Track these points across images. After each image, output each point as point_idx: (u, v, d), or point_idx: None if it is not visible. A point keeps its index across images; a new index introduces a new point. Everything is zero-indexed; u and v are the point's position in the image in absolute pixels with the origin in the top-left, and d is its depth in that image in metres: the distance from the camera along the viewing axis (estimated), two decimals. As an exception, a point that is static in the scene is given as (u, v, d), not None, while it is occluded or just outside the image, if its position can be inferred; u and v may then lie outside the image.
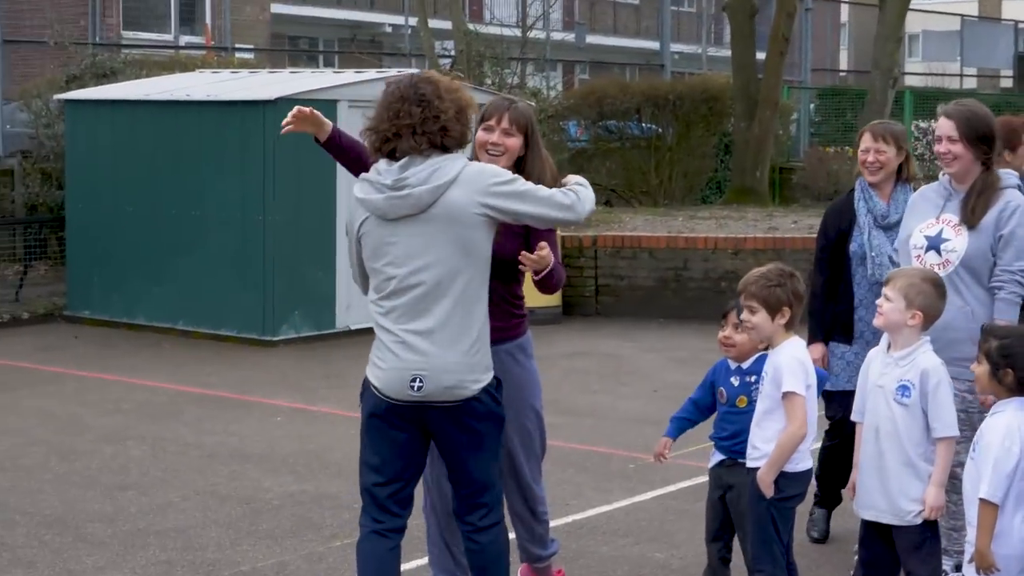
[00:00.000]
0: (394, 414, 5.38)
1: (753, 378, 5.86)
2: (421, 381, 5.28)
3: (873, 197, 6.99)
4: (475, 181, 5.29)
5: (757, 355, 5.89)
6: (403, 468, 5.48)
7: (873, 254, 6.84)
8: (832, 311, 7.06)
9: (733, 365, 5.98)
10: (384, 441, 5.44)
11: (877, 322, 5.68)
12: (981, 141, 6.22)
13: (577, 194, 5.45)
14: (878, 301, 5.70)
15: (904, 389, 5.55)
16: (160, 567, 6.95)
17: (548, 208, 5.37)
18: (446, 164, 5.30)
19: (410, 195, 5.26)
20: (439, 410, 5.33)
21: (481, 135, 5.92)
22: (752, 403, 5.82)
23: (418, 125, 5.29)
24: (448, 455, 5.49)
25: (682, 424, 6.23)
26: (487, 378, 5.38)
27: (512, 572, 5.78)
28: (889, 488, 5.56)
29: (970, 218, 6.22)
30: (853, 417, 5.84)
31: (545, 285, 5.82)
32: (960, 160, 6.24)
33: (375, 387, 5.39)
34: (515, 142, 5.93)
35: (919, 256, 6.25)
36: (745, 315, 5.74)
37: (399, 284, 5.32)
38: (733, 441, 5.93)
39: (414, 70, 17.15)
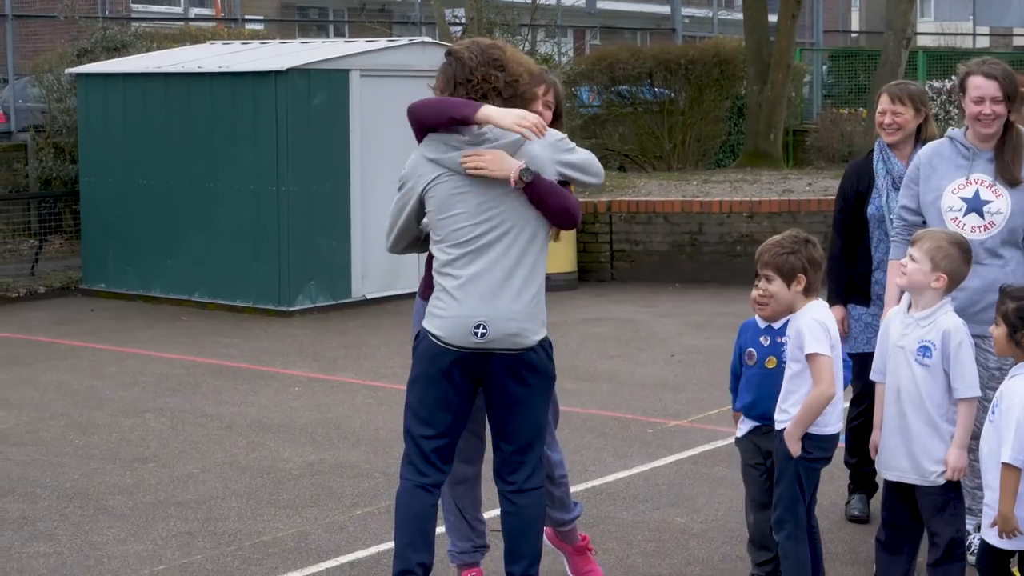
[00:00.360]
0: (455, 364, 5.43)
1: (783, 338, 5.75)
2: (485, 328, 5.37)
3: (892, 158, 6.90)
4: (550, 142, 5.46)
5: (787, 318, 5.78)
6: (452, 423, 5.55)
7: (892, 216, 6.73)
8: (850, 273, 7.02)
9: (763, 325, 5.90)
10: (438, 394, 5.50)
11: (900, 282, 5.64)
12: (1014, 99, 6.18)
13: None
14: (902, 260, 5.66)
15: (925, 350, 5.50)
16: (181, 538, 6.96)
17: (592, 175, 5.59)
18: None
19: (494, 144, 5.38)
20: (501, 358, 5.40)
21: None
22: (781, 364, 5.75)
23: (503, 89, 5.42)
24: (499, 409, 5.53)
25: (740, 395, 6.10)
26: (544, 332, 5.49)
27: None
28: (912, 449, 5.53)
29: (1013, 176, 6.13)
30: (873, 376, 5.80)
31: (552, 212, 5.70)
32: (999, 119, 6.17)
33: (435, 336, 5.44)
34: (550, 115, 6.01)
35: (956, 219, 6.12)
36: (762, 283, 5.71)
37: (469, 233, 5.41)
38: (761, 405, 5.86)
39: (425, 38, 17.11)
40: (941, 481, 5.49)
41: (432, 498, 5.60)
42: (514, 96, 5.44)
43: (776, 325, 5.83)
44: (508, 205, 5.40)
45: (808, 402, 5.56)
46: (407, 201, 5.57)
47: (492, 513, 6.25)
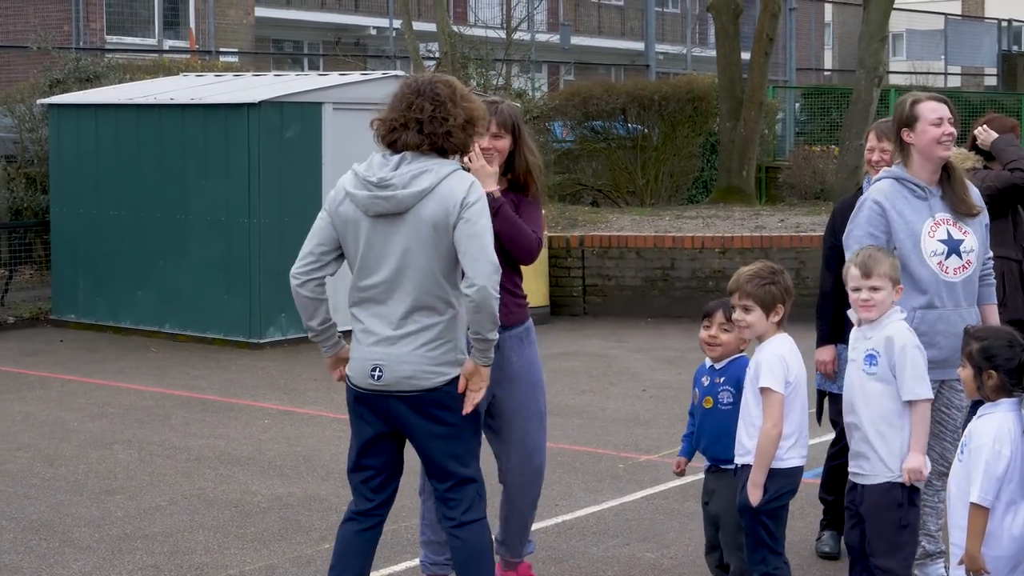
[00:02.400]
0: (362, 403, 5.54)
1: (721, 379, 5.86)
2: (380, 371, 5.42)
3: None
4: (451, 197, 5.34)
5: (732, 358, 5.88)
6: (372, 457, 5.61)
7: None
8: (840, 312, 6.91)
9: (708, 364, 5.96)
10: (355, 429, 5.64)
11: (870, 316, 5.65)
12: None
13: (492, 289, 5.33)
14: (863, 296, 5.67)
15: (871, 358, 5.59)
16: (148, 571, 6.91)
17: (487, 256, 5.31)
18: (435, 169, 5.37)
19: (392, 197, 5.37)
20: (403, 399, 5.44)
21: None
22: (717, 405, 5.85)
23: (426, 123, 5.38)
24: (420, 447, 5.57)
25: (690, 439, 6.14)
26: (453, 372, 5.44)
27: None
28: (867, 452, 5.64)
29: (968, 208, 6.14)
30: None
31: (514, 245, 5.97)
32: (953, 142, 6.21)
33: (347, 375, 5.58)
34: (504, 143, 6.08)
35: (940, 263, 6.09)
36: (738, 315, 5.72)
37: (370, 275, 5.44)
38: (702, 442, 5.94)
39: (400, 72, 17.13)
40: (886, 480, 5.60)
41: (359, 526, 5.65)
42: (434, 134, 5.38)
43: (718, 366, 5.89)
44: (408, 251, 5.37)
45: (759, 443, 5.61)
46: (324, 215, 5.61)
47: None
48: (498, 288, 5.31)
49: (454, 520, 5.56)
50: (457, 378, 5.44)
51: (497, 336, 5.40)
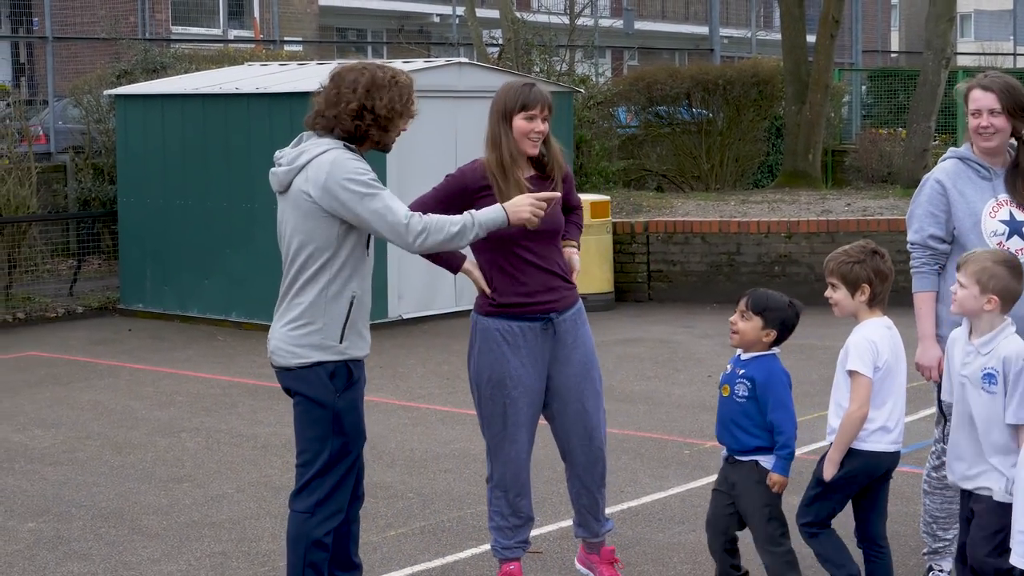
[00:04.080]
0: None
1: (742, 371, 5.83)
2: (268, 343, 5.65)
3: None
4: (322, 172, 5.41)
5: (759, 353, 5.84)
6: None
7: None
8: None
9: (738, 353, 5.93)
10: None
11: (953, 310, 5.52)
12: (1020, 112, 6.00)
13: (428, 229, 5.40)
14: (952, 287, 5.55)
15: (990, 377, 5.35)
16: (215, 558, 6.95)
17: (382, 225, 5.39)
18: (311, 149, 5.48)
19: (275, 174, 5.56)
20: (278, 373, 5.62)
21: (525, 124, 5.99)
22: (733, 395, 5.83)
23: (326, 107, 5.50)
24: None
25: None
26: (315, 357, 5.48)
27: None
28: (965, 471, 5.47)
29: (1021, 199, 6.00)
30: (943, 397, 5.76)
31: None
32: (1001, 133, 6.00)
33: None
34: (547, 127, 6.10)
35: (1000, 243, 5.95)
36: (828, 292, 5.76)
37: (283, 250, 5.64)
38: (721, 430, 5.92)
39: (463, 59, 17.12)
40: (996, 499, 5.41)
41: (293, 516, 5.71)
42: (323, 115, 5.49)
43: (744, 357, 5.86)
44: (290, 230, 5.51)
45: (842, 423, 5.60)
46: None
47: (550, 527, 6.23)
48: (418, 236, 5.38)
49: (290, 498, 5.70)
50: (318, 364, 5.47)
51: (461, 237, 5.45)
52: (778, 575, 5.81)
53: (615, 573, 6.43)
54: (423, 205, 6.04)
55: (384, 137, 5.59)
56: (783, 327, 5.84)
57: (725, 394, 5.89)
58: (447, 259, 6.15)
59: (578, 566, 6.56)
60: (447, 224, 5.44)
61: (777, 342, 5.85)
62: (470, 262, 6.14)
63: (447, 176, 6.19)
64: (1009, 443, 5.33)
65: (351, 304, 5.51)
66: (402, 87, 5.57)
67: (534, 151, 6.04)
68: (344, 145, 5.50)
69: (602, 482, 6.37)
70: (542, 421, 6.28)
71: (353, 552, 5.89)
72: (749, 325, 5.82)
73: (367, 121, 5.49)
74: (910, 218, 6.20)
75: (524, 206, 5.54)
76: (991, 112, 5.99)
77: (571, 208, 6.39)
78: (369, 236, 5.56)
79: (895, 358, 5.65)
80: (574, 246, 6.32)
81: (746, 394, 5.78)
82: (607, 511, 6.54)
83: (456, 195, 6.05)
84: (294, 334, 5.52)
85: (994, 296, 5.35)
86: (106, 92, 16.21)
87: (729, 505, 5.92)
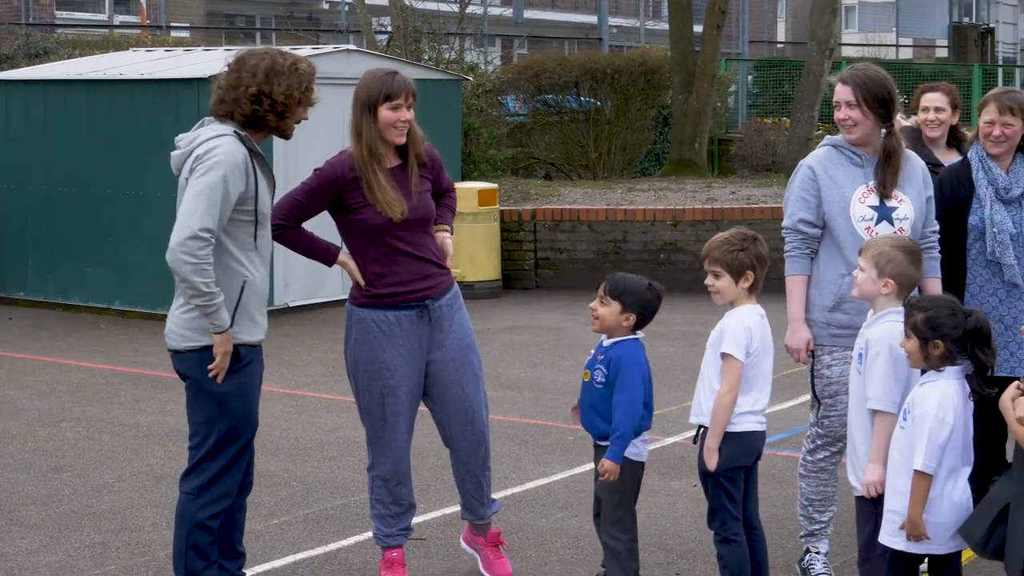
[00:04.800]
0: None
1: (602, 357, 5.83)
2: None
3: (993, 168, 6.68)
4: (192, 155, 5.47)
5: (621, 338, 5.83)
6: None
7: (995, 230, 6.57)
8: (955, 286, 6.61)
9: (603, 338, 5.95)
10: None
11: (854, 293, 5.61)
12: (880, 105, 6.06)
13: (196, 267, 5.34)
14: (854, 272, 5.62)
15: (859, 357, 5.50)
16: (95, 549, 6.86)
17: (182, 220, 5.39)
18: (204, 134, 5.50)
19: (171, 158, 5.59)
20: (171, 355, 5.65)
21: (390, 114, 5.96)
22: (593, 380, 5.84)
23: (226, 91, 5.51)
24: None
25: None
26: (203, 340, 5.49)
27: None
28: (855, 453, 5.55)
29: (886, 188, 6.07)
30: None
31: None
32: (861, 125, 6.07)
33: None
34: (412, 114, 6.07)
35: (868, 228, 6.02)
36: (709, 280, 5.76)
37: None
38: (583, 416, 5.93)
39: (351, 46, 17.03)
40: (858, 494, 5.50)
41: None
42: (230, 100, 5.49)
43: (606, 343, 5.88)
44: None
45: (713, 407, 5.62)
46: None
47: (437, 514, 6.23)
48: (194, 254, 5.32)
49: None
50: (207, 347, 5.47)
51: (204, 303, 5.39)
52: (619, 561, 5.81)
53: (499, 555, 6.45)
54: (293, 203, 6.04)
55: (282, 124, 5.56)
56: (643, 311, 5.81)
57: (586, 379, 5.90)
58: (322, 252, 6.14)
59: (463, 545, 6.57)
60: (209, 284, 5.35)
61: (639, 326, 5.84)
62: (345, 253, 6.12)
63: (316, 170, 6.13)
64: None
65: (242, 289, 5.47)
66: (302, 74, 5.55)
67: (401, 140, 6.01)
68: (235, 134, 5.45)
69: (485, 465, 6.37)
70: (423, 408, 6.28)
71: (237, 540, 5.86)
72: (608, 310, 5.81)
73: (264, 106, 5.47)
74: (784, 204, 6.31)
75: (227, 350, 5.49)
76: (848, 105, 6.08)
77: (442, 191, 6.36)
78: (256, 222, 5.49)
79: (764, 346, 5.71)
80: (446, 230, 6.30)
81: (603, 380, 5.78)
82: (492, 495, 6.55)
83: (328, 187, 6.01)
84: (185, 317, 5.51)
85: (891, 280, 5.44)
86: (-13, 77, 15.91)
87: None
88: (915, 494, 5.09)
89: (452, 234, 6.34)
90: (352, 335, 6.14)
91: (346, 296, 6.26)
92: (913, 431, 5.13)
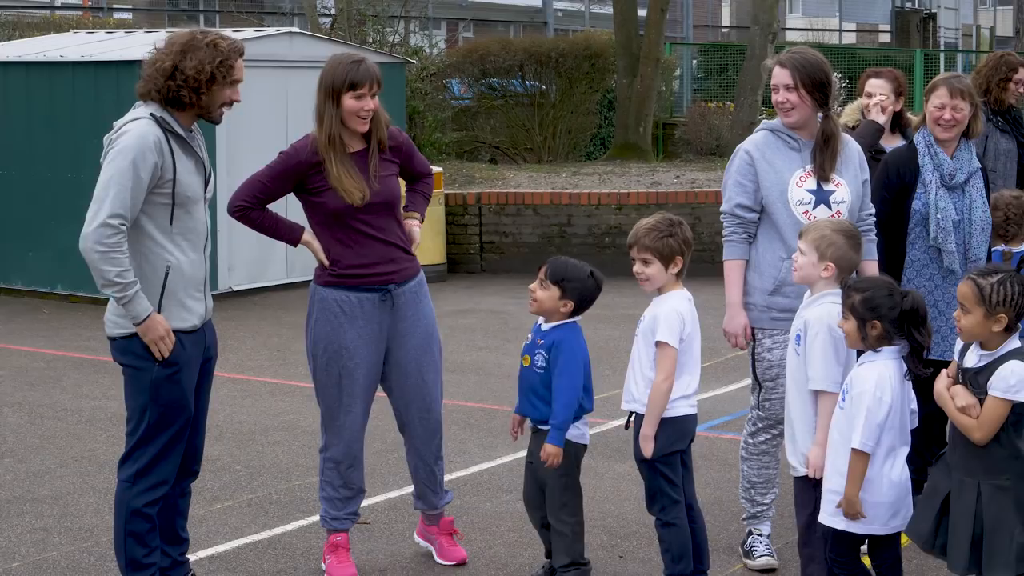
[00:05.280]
0: None
1: (541, 342, 5.86)
2: None
3: (940, 154, 6.70)
4: (107, 141, 5.44)
5: (559, 323, 5.86)
6: None
7: (939, 216, 6.60)
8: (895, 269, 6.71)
9: (539, 323, 5.97)
10: None
11: (794, 277, 5.63)
12: (817, 88, 6.09)
13: (106, 256, 5.28)
14: (793, 255, 5.64)
15: (797, 338, 5.53)
16: (37, 535, 6.82)
17: (92, 208, 5.35)
18: (124, 118, 5.47)
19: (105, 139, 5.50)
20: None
21: (354, 103, 5.95)
22: (532, 364, 5.86)
23: (145, 68, 5.47)
24: None
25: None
26: (130, 328, 5.42)
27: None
28: (793, 434, 5.58)
29: (824, 171, 6.12)
30: None
31: None
32: (798, 108, 6.10)
33: None
34: (376, 102, 6.04)
35: (806, 212, 6.06)
36: (638, 268, 5.76)
37: None
38: (522, 400, 5.95)
39: (295, 28, 16.96)
40: (800, 474, 5.53)
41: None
42: (147, 78, 5.44)
43: (545, 327, 5.91)
44: None
45: (650, 396, 5.64)
46: None
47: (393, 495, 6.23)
48: (92, 241, 5.28)
49: None
50: (131, 335, 5.43)
51: (117, 293, 5.34)
52: (566, 545, 5.86)
53: (453, 543, 6.45)
54: (257, 184, 6.04)
55: (200, 102, 5.44)
56: (582, 299, 5.84)
57: (526, 364, 5.91)
58: (286, 232, 6.13)
59: (417, 539, 6.58)
60: (122, 274, 5.30)
61: (576, 313, 5.87)
62: (309, 233, 6.11)
63: (280, 153, 6.13)
64: (811, 413, 5.48)
65: (166, 274, 5.43)
66: (219, 50, 5.43)
67: (363, 128, 6.01)
68: (151, 115, 5.39)
69: (439, 454, 6.39)
70: (380, 393, 6.28)
71: (180, 526, 5.84)
72: (547, 294, 5.83)
73: (178, 81, 5.38)
74: (723, 188, 6.34)
75: (157, 336, 5.43)
76: (787, 88, 6.10)
77: (416, 174, 6.37)
78: (173, 204, 5.43)
79: (695, 331, 5.74)
80: (416, 218, 6.30)
81: (544, 364, 5.80)
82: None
83: (292, 171, 6.02)
84: (113, 307, 5.47)
85: (831, 264, 5.47)
86: (-75, 59, 15.72)
87: (537, 479, 5.96)
88: (852, 473, 5.13)
89: (422, 222, 6.33)
90: (314, 314, 6.14)
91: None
92: (852, 411, 5.17)
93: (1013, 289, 4.92)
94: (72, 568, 6.37)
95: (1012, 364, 4.89)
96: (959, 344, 5.13)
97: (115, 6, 25.50)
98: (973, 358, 5.02)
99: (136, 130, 5.36)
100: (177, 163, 5.41)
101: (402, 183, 6.30)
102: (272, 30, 15.08)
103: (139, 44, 13.99)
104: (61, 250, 13.47)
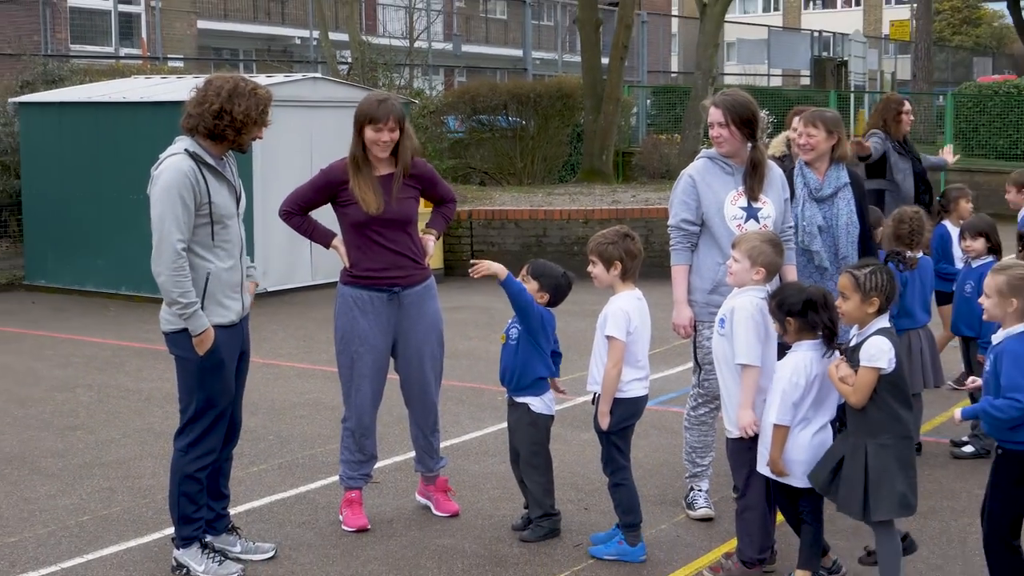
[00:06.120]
0: None
1: (514, 318, 5.96)
2: None
3: (809, 173, 6.73)
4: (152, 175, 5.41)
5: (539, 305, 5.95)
6: None
7: (804, 224, 6.61)
8: None
9: None
10: None
11: (729, 280, 5.61)
12: (744, 124, 6.08)
13: (175, 278, 5.29)
14: (728, 262, 5.62)
15: (721, 322, 5.54)
16: (103, 493, 6.81)
17: (156, 237, 5.31)
18: (166, 151, 5.44)
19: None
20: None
21: (372, 134, 5.95)
22: (508, 339, 5.95)
23: (193, 106, 5.44)
24: None
25: None
26: (179, 324, 5.39)
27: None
28: (725, 403, 5.59)
29: (753, 192, 6.12)
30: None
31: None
32: (729, 141, 6.10)
33: None
34: (396, 135, 6.01)
35: (739, 225, 6.06)
36: (589, 267, 5.80)
37: None
38: (501, 374, 6.01)
39: (318, 75, 16.93)
40: (735, 435, 5.54)
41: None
42: (195, 115, 5.40)
43: None
44: None
45: (603, 381, 5.67)
46: None
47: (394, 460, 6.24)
48: (162, 267, 5.26)
49: None
50: (183, 330, 5.40)
51: (180, 311, 5.32)
52: (538, 499, 5.95)
53: (447, 499, 6.46)
54: (300, 194, 6.11)
55: (239, 139, 5.47)
56: (555, 292, 5.94)
57: (502, 341, 5.97)
58: (321, 236, 6.16)
59: (417, 498, 6.58)
60: (185, 295, 5.29)
61: (551, 304, 5.93)
62: (338, 239, 6.13)
63: (320, 170, 6.18)
64: (734, 386, 5.48)
65: (207, 279, 5.43)
66: (259, 98, 5.47)
67: (382, 155, 5.99)
68: (185, 151, 5.37)
69: (434, 428, 6.38)
70: (393, 376, 6.28)
71: (223, 485, 5.83)
72: (528, 286, 5.93)
73: (225, 122, 5.39)
74: (669, 206, 6.34)
75: (207, 347, 5.42)
76: (720, 124, 6.10)
77: (439, 200, 6.38)
78: (212, 223, 5.40)
79: (643, 324, 5.75)
80: (433, 233, 6.28)
81: (516, 337, 5.86)
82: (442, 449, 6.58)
83: (326, 185, 6.06)
84: (165, 306, 5.46)
85: (762, 268, 5.48)
86: (11, 100, 15.71)
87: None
88: (774, 442, 5.17)
89: (437, 238, 6.31)
90: (337, 307, 6.18)
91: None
92: (772, 391, 5.22)
93: (882, 277, 5.03)
94: (133, 521, 6.36)
95: (875, 338, 4.97)
96: (853, 331, 5.17)
97: (169, 56, 25.42)
98: (853, 338, 5.09)
99: (173, 166, 5.34)
100: (210, 187, 5.40)
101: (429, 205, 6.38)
102: (299, 76, 15.06)
103: (188, 88, 13.92)
104: (124, 258, 13.47)
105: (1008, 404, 4.68)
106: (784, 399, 5.13)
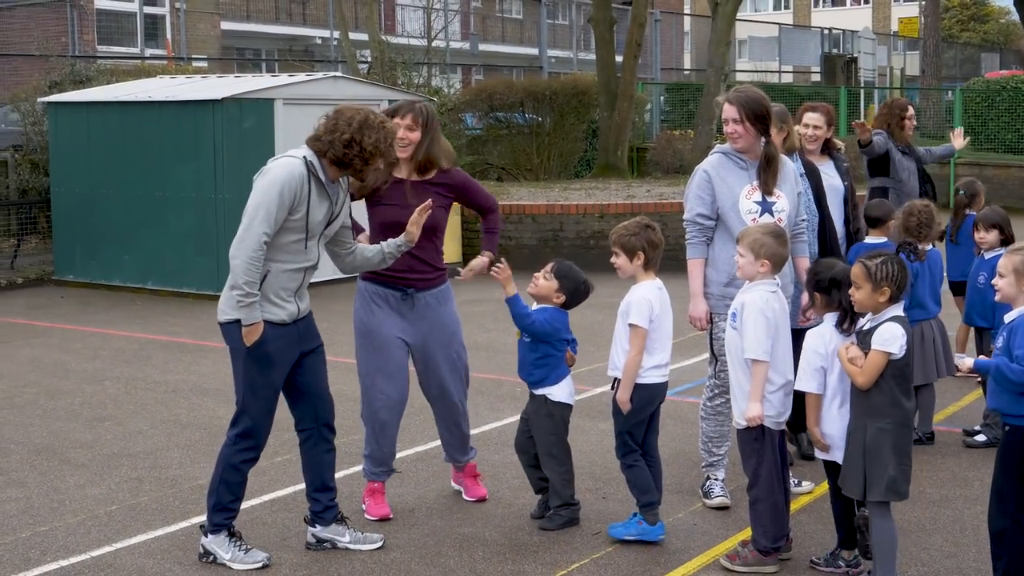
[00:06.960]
0: None
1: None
2: None
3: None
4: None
5: (547, 307, 5.90)
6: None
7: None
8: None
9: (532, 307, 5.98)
10: None
11: (737, 275, 5.59)
12: (759, 120, 6.05)
13: (246, 265, 5.26)
14: (735, 257, 5.60)
15: (733, 316, 5.52)
16: (131, 483, 6.81)
17: (245, 222, 5.30)
18: (288, 152, 5.43)
19: None
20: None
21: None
22: (523, 337, 5.93)
23: (324, 132, 5.38)
24: None
25: None
26: (232, 315, 5.36)
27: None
28: (735, 395, 5.55)
29: (767, 187, 6.09)
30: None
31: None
32: (744, 137, 6.07)
33: None
34: (416, 135, 5.97)
35: (754, 219, 6.02)
36: (612, 258, 5.80)
37: None
38: (519, 368, 6.00)
39: (339, 74, 16.92)
40: (742, 426, 5.51)
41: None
42: (335, 141, 5.34)
43: (534, 307, 5.92)
44: None
45: (624, 366, 5.64)
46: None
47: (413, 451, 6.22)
48: (242, 253, 5.23)
49: None
50: (236, 320, 5.35)
51: (240, 296, 5.28)
52: (558, 489, 5.93)
53: (476, 484, 6.51)
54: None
55: (364, 168, 5.40)
56: (572, 295, 5.88)
57: (518, 337, 5.96)
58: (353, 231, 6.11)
59: (452, 483, 6.66)
60: (251, 283, 5.26)
61: (565, 306, 5.89)
62: (364, 236, 6.12)
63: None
64: (745, 379, 5.47)
65: (265, 276, 5.36)
66: (388, 132, 5.41)
67: (403, 155, 5.95)
68: (304, 159, 5.34)
69: (458, 424, 6.37)
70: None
71: (329, 478, 5.80)
72: (547, 283, 5.88)
73: (354, 151, 5.33)
74: (685, 200, 6.30)
75: (254, 338, 5.37)
76: (734, 121, 6.07)
77: (481, 209, 6.28)
78: (307, 232, 5.36)
79: (663, 312, 5.73)
80: (488, 256, 6.15)
81: (528, 337, 5.84)
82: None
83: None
84: (225, 296, 5.42)
85: (766, 260, 5.46)
86: (40, 100, 15.74)
87: (527, 431, 6.00)
88: (808, 410, 5.26)
89: (489, 258, 6.12)
90: (357, 301, 6.17)
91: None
92: (803, 361, 5.31)
93: (893, 267, 5.08)
94: (160, 510, 6.36)
95: (888, 324, 5.03)
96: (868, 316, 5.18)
97: (194, 56, 25.44)
98: (866, 323, 5.13)
99: (288, 164, 5.32)
100: (311, 200, 5.35)
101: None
102: (320, 75, 15.05)
103: (212, 87, 13.97)
104: (150, 253, 13.49)
105: (1022, 369, 4.67)
106: (806, 366, 5.21)
